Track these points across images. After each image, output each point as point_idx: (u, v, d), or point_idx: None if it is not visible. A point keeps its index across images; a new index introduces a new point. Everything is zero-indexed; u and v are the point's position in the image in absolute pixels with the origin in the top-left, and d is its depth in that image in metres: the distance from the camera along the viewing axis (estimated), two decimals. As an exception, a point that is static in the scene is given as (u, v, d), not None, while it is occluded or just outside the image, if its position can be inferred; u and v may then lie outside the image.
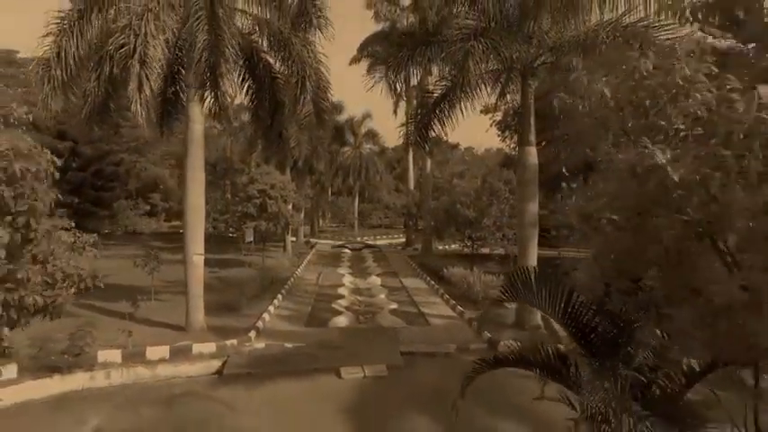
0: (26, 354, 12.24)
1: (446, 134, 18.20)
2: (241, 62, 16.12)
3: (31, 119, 5.16)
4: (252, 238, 27.46)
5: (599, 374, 5.30)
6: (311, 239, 44.97)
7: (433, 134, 17.82)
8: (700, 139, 2.58)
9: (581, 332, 5.28)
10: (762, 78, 2.53)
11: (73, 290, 5.16)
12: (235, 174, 43.16)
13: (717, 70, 2.70)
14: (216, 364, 13.33)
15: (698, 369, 5.27)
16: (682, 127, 2.67)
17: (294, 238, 38.46)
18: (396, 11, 33.33)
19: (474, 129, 62.58)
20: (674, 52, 2.77)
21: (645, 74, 2.81)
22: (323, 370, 12.75)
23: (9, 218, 3.37)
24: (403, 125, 19.28)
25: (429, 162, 36.90)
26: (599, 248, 4.03)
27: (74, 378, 12.11)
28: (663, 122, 2.66)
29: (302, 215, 40.01)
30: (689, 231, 2.71)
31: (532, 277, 5.52)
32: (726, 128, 2.38)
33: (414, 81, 24.49)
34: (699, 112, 2.53)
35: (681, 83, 2.58)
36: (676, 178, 2.33)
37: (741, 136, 2.35)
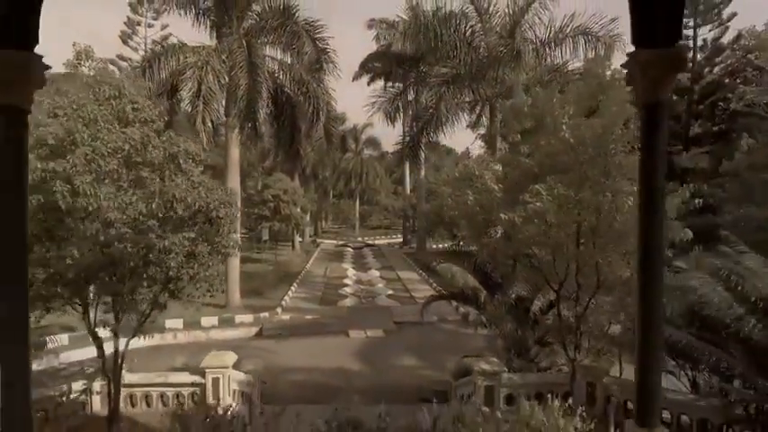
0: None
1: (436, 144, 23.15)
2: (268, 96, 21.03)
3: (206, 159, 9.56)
4: (267, 237, 32.38)
5: (492, 302, 10.20)
6: (316, 239, 49.88)
7: (426, 141, 22.69)
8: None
9: (483, 278, 10.18)
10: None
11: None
12: (244, 179, 48.02)
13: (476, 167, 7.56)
14: (254, 329, 18.26)
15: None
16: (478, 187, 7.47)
17: (301, 238, 43.32)
18: (393, 33, 38.26)
19: (471, 134, 67.62)
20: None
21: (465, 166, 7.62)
22: (335, 332, 17.67)
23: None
24: (398, 144, 24.28)
25: (423, 169, 41.74)
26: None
27: (151, 338, 16.98)
28: (477, 185, 7.47)
29: (308, 217, 44.83)
30: (484, 225, 7.59)
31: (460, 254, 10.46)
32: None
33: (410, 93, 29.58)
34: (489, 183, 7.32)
35: (476, 173, 7.36)
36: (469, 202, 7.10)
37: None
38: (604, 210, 6.09)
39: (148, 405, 8.86)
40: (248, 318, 18.94)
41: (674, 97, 25.90)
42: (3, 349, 2.76)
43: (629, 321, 7.65)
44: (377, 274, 30.25)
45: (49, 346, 15.29)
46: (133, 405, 8.88)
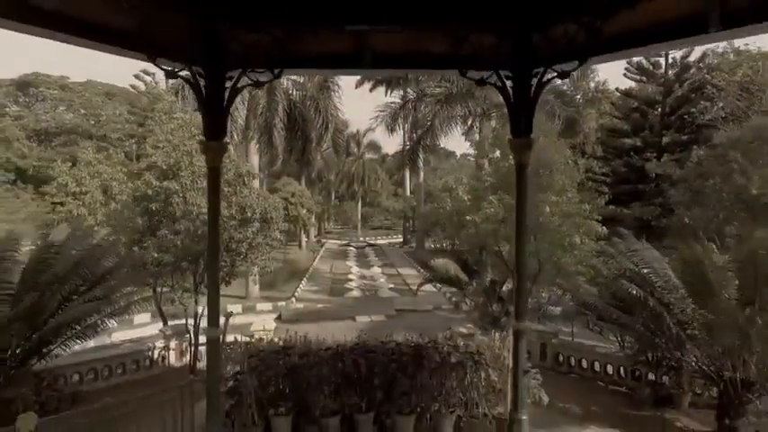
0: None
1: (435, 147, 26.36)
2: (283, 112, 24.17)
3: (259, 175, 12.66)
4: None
5: (471, 284, 13.28)
6: (321, 239, 53.00)
7: (424, 147, 25.82)
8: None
9: (464, 267, 13.25)
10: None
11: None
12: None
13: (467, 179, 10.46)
14: (273, 315, 21.32)
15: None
16: (454, 197, 10.43)
17: (307, 238, 46.40)
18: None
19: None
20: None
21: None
22: (344, 317, 20.73)
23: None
24: (397, 152, 27.38)
25: (422, 172, 44.87)
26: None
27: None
28: (453, 195, 10.41)
29: (313, 218, 47.90)
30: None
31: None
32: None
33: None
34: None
35: (453, 187, 10.31)
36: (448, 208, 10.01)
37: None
38: (535, 213, 9.12)
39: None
40: (268, 306, 22.03)
41: (649, 110, 29.03)
42: (209, 297, 5.86)
43: (562, 294, 10.71)
44: (379, 270, 33.31)
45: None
46: (198, 360, 11.95)
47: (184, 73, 5.55)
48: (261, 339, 7.60)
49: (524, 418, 5.91)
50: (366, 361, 6.39)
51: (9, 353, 7.32)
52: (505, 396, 6.38)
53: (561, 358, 12.20)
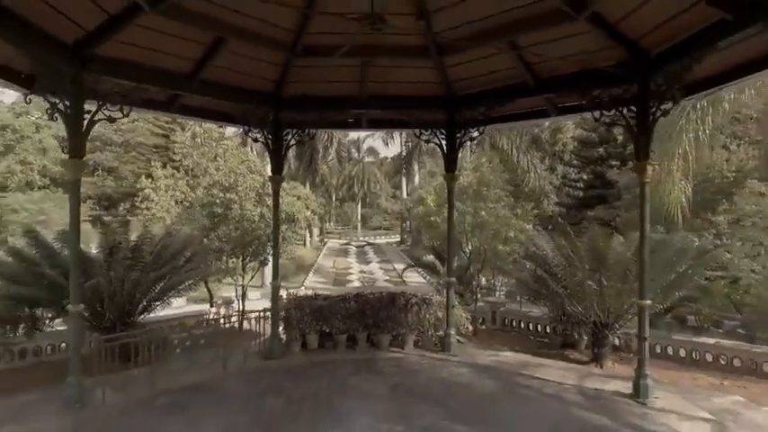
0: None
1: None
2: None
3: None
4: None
5: (442, 269, 17.89)
6: (323, 238, 57.67)
7: (417, 156, 30.40)
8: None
9: (437, 256, 17.87)
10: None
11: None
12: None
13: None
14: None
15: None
16: (425, 204, 14.89)
17: (310, 238, 51.05)
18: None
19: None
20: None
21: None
22: (346, 302, 25.37)
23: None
24: (395, 156, 31.97)
25: (417, 176, 49.53)
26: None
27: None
28: (425, 203, 14.87)
29: (317, 219, 52.57)
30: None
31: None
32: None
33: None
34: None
35: (423, 196, 14.77)
36: (420, 212, 14.45)
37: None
38: (478, 216, 13.71)
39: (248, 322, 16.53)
40: (282, 293, 26.64)
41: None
42: (273, 262, 10.53)
43: (504, 276, 15.24)
44: (377, 266, 37.98)
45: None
46: (242, 323, 16.58)
47: (260, 137, 10.19)
48: (297, 293, 12.18)
49: (453, 332, 10.55)
50: (362, 302, 11.01)
51: (136, 306, 11.92)
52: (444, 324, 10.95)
53: (506, 322, 16.78)
